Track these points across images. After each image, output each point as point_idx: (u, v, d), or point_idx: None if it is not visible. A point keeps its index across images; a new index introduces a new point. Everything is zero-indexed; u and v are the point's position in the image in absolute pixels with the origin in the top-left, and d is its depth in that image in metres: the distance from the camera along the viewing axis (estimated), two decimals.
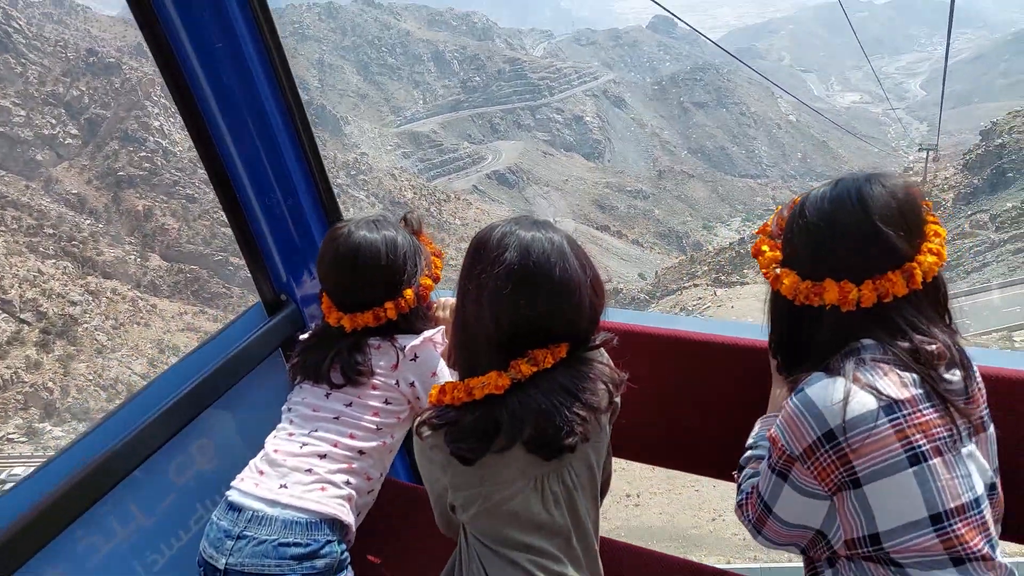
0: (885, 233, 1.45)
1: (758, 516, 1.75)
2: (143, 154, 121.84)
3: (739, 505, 1.84)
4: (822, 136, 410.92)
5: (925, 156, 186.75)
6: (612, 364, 1.80)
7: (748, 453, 1.97)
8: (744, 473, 1.91)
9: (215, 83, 2.42)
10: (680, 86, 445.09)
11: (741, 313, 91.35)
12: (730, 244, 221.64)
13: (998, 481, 1.61)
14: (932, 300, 1.58)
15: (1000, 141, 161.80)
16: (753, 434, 2.04)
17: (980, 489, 1.52)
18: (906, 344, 1.53)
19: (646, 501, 33.36)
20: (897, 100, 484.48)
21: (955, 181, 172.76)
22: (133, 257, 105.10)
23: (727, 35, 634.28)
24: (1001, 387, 1.88)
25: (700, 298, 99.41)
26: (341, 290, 2.35)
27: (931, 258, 1.50)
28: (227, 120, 2.52)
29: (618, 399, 1.76)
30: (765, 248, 1.86)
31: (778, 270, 1.75)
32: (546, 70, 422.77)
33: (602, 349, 1.79)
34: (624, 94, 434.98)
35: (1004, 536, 1.78)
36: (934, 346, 1.53)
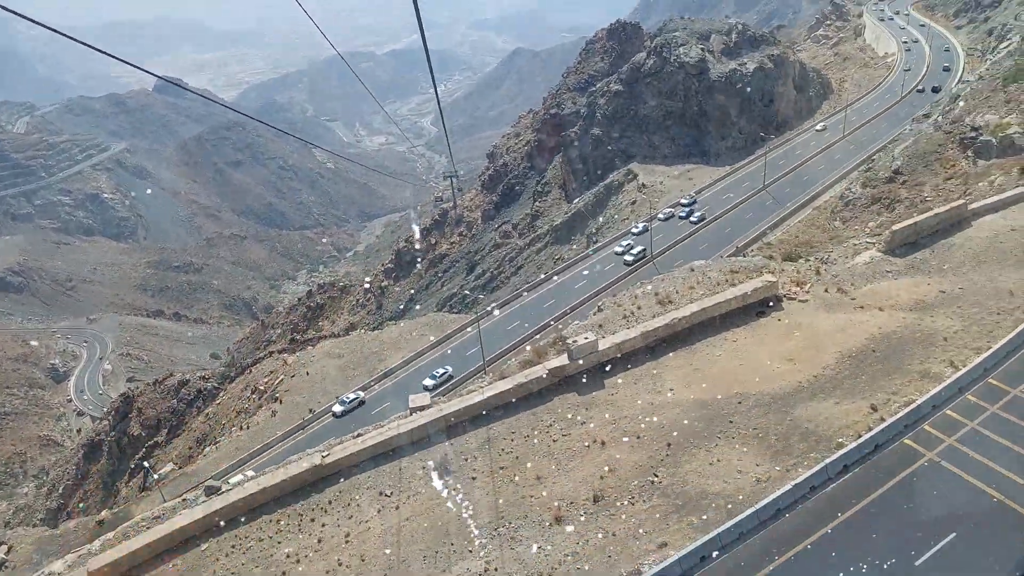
0: None
1: None
2: None
3: None
4: (362, 179, 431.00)
5: (451, 184, 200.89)
6: None
7: None
8: None
9: None
10: (208, 148, 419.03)
11: (318, 377, 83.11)
12: (299, 299, 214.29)
13: None
14: None
15: (503, 161, 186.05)
16: None
17: None
18: None
19: None
20: (416, 138, 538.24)
21: (479, 201, 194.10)
22: None
23: (245, 92, 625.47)
24: None
25: (272, 372, 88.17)
26: None
27: None
28: None
29: None
30: None
31: None
32: (35, 148, 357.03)
33: None
34: (145, 163, 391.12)
35: None
36: None
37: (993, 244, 39.03)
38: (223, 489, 35.04)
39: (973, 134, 77.29)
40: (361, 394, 70.83)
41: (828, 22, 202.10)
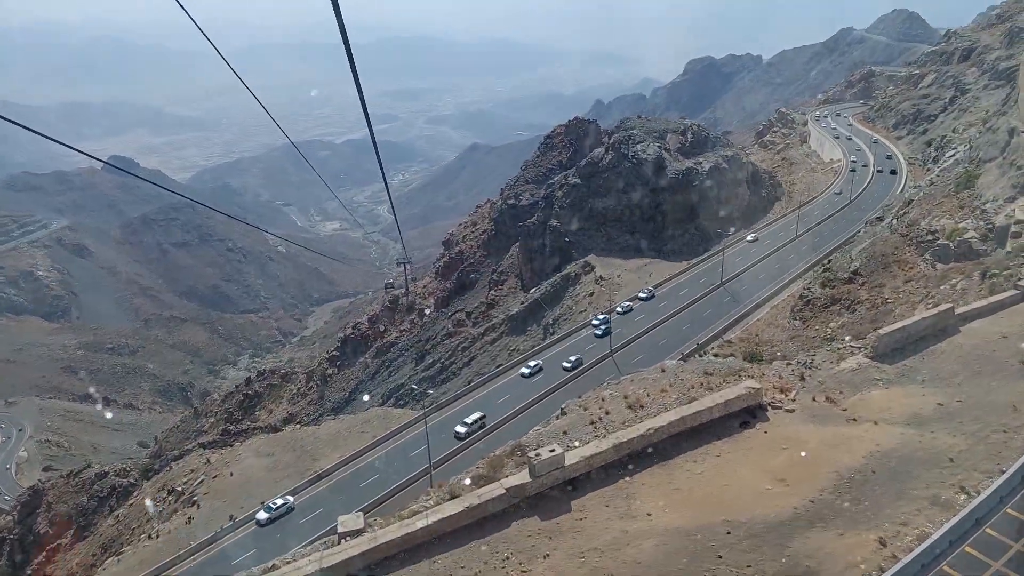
0: None
1: None
2: None
3: None
4: (313, 263, 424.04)
5: (404, 270, 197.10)
6: None
7: None
8: None
9: None
10: (154, 228, 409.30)
11: (243, 478, 75.13)
12: (236, 387, 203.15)
13: None
14: None
15: (458, 249, 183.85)
16: None
17: None
18: None
19: None
20: (372, 225, 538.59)
21: (432, 287, 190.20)
22: None
23: (199, 174, 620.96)
24: None
25: (193, 470, 79.68)
26: None
27: None
28: None
29: None
30: None
31: None
32: None
33: None
34: (85, 241, 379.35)
35: None
36: None
37: (985, 352, 36.38)
38: None
39: (930, 237, 77.62)
40: (290, 499, 63.52)
41: (775, 129, 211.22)
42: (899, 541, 25.72)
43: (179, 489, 75.23)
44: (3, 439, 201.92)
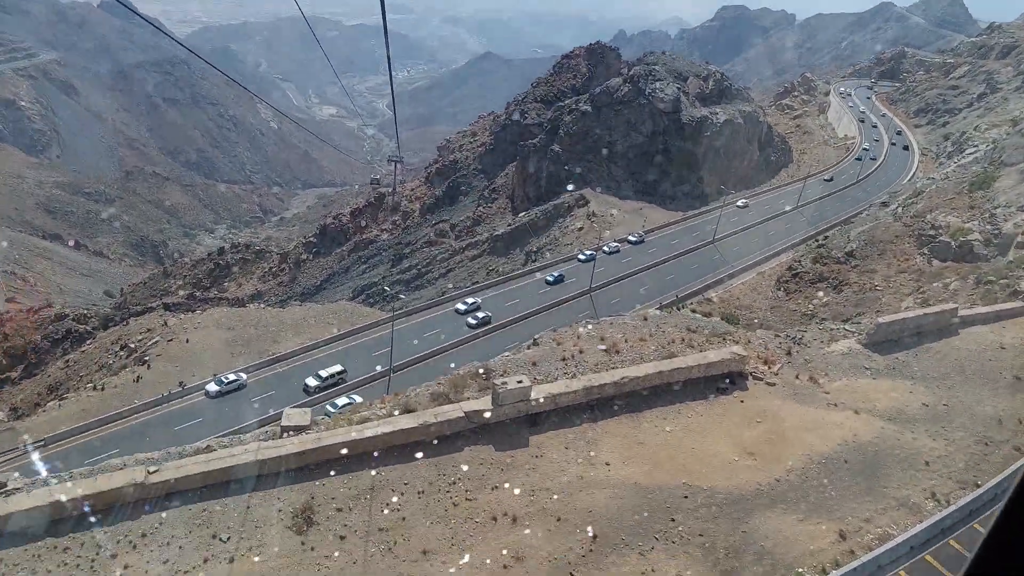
0: None
1: None
2: None
3: None
4: (304, 145, 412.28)
5: (394, 168, 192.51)
6: None
7: None
8: None
9: None
10: (147, 79, 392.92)
11: (200, 347, 73.41)
12: (209, 255, 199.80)
13: None
14: None
15: (453, 157, 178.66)
16: None
17: None
18: None
19: None
20: (370, 117, 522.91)
21: (420, 192, 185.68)
22: None
23: (200, 31, 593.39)
24: None
25: (150, 330, 77.67)
26: None
27: None
28: None
29: None
30: None
31: None
32: None
33: None
34: (74, 80, 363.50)
35: None
36: None
37: (981, 360, 35.02)
38: (7, 487, 26.61)
39: (932, 231, 75.83)
40: (243, 376, 62.13)
41: (795, 93, 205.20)
42: (860, 537, 24.71)
43: (132, 346, 73.41)
44: None
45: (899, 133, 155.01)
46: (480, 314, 72.30)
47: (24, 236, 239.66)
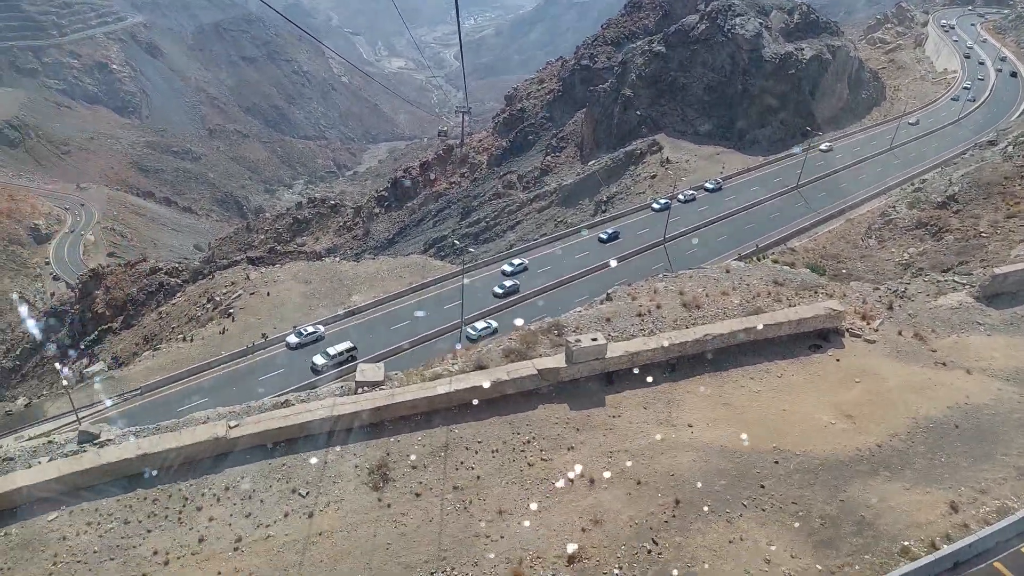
0: None
1: None
2: None
3: None
4: (374, 99, 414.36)
5: (462, 120, 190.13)
6: None
7: None
8: None
9: None
10: (225, 38, 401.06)
11: (280, 300, 75.29)
12: (287, 209, 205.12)
13: None
14: None
15: (520, 106, 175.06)
16: None
17: None
18: None
19: None
20: (438, 68, 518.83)
21: (488, 143, 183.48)
22: None
23: None
24: None
25: (233, 283, 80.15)
26: None
27: None
28: None
29: None
30: None
31: None
32: (50, 3, 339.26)
33: None
34: (160, 42, 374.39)
35: None
36: None
37: None
38: (100, 438, 27.47)
39: None
40: (321, 328, 63.51)
41: (889, 25, 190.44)
42: (974, 509, 22.61)
43: (217, 299, 75.96)
44: (78, 218, 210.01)
45: (1004, 59, 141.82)
46: (508, 283, 69.98)
47: (120, 193, 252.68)
